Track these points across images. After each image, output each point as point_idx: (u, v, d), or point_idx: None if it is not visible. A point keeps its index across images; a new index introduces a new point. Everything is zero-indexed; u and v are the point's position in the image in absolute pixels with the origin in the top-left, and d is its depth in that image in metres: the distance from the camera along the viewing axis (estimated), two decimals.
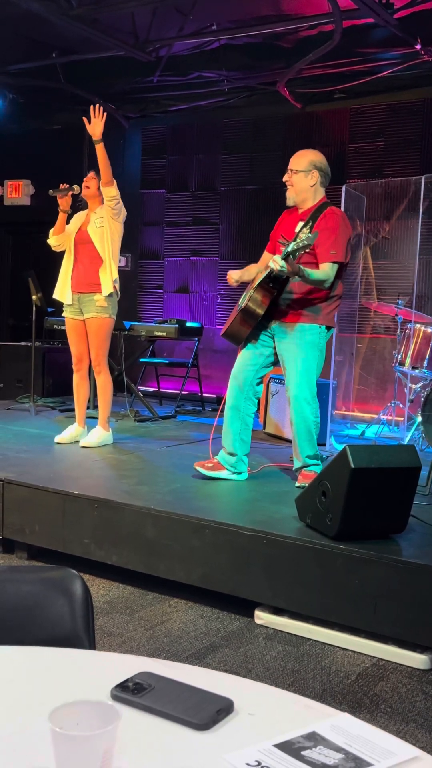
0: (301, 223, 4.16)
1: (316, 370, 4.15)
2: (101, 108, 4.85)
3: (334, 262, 3.98)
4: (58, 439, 5.27)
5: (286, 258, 3.72)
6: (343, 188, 6.03)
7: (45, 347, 7.76)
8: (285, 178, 4.23)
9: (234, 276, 4.29)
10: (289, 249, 3.71)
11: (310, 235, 3.68)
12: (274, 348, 4.22)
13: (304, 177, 4.17)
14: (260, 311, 4.06)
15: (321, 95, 7.56)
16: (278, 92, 7.37)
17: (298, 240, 3.70)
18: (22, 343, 7.85)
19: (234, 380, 4.27)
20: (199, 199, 8.62)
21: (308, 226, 4.07)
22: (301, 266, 3.83)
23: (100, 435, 5.21)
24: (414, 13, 5.86)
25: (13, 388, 7.74)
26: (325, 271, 3.95)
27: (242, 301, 4.23)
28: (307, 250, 3.86)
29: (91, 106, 4.86)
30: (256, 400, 4.33)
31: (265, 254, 4.41)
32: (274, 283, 4.04)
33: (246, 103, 8.03)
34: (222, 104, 8.09)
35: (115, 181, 4.97)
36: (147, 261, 8.98)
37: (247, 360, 4.25)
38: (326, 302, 4.12)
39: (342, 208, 5.87)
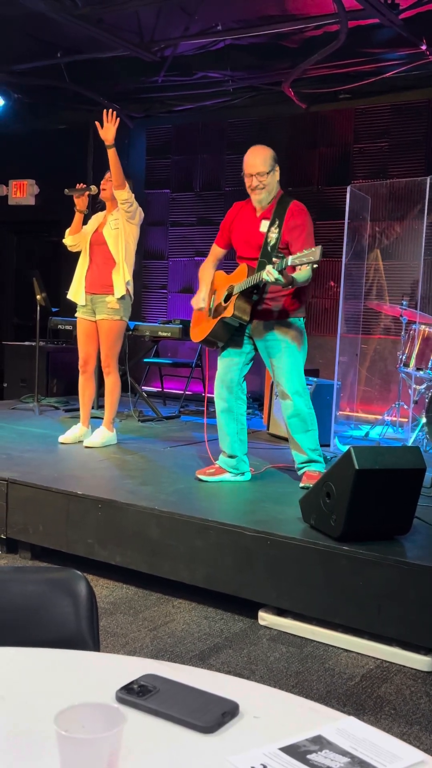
0: (265, 222, 4.11)
1: (302, 362, 4.21)
2: (114, 113, 4.85)
3: None
4: (62, 439, 5.28)
5: (281, 271, 3.74)
6: (348, 189, 6.02)
7: (49, 347, 7.76)
8: (254, 184, 4.08)
9: (201, 303, 4.28)
10: (289, 263, 3.72)
11: (314, 249, 3.68)
12: (254, 345, 4.24)
13: (273, 176, 4.11)
14: (246, 317, 4.11)
15: (326, 95, 7.55)
16: (283, 92, 7.36)
17: (299, 255, 3.71)
18: (27, 343, 7.85)
19: (221, 383, 4.28)
20: (203, 199, 8.61)
21: (276, 225, 4.05)
22: (293, 276, 3.83)
23: (103, 435, 5.21)
24: (419, 13, 5.84)
25: (18, 387, 7.75)
26: (307, 273, 3.95)
27: (212, 304, 4.25)
28: (281, 249, 3.93)
29: (105, 111, 4.85)
30: (245, 397, 4.34)
31: (216, 249, 4.40)
32: (256, 289, 4.08)
33: (251, 103, 8.02)
34: (227, 104, 8.09)
35: (127, 184, 4.96)
36: (151, 261, 8.98)
37: (229, 361, 4.28)
38: (298, 295, 4.17)
39: (347, 209, 5.87)
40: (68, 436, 5.29)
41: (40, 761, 0.97)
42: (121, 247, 5.04)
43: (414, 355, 5.55)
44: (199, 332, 4.32)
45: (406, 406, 6.07)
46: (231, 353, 4.28)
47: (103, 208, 5.26)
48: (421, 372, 5.54)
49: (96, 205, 5.31)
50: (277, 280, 3.75)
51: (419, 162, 7.23)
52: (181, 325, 6.81)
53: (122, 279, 5.03)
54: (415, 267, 6.68)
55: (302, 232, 4.01)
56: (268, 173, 4.08)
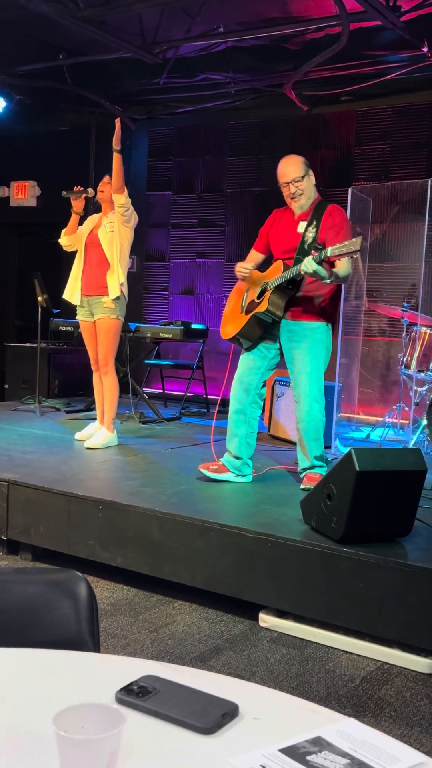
0: (303, 223, 4.14)
1: (323, 368, 4.18)
2: (118, 121, 4.98)
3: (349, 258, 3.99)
4: (78, 436, 5.42)
5: (320, 262, 3.75)
6: (350, 191, 6.02)
7: (51, 348, 7.77)
8: (292, 191, 4.13)
9: (247, 266, 4.24)
10: (328, 253, 3.73)
11: (354, 240, 3.70)
12: (280, 348, 4.22)
13: (308, 180, 4.17)
14: (280, 313, 4.08)
15: (328, 97, 7.55)
16: (285, 94, 7.37)
17: (339, 245, 3.73)
18: (28, 344, 7.86)
19: (239, 384, 4.27)
20: (205, 201, 8.62)
21: (313, 225, 4.07)
22: (333, 270, 3.84)
23: (104, 436, 5.22)
24: (421, 15, 5.85)
25: (19, 389, 7.75)
26: (347, 267, 3.97)
27: (245, 302, 4.23)
28: (318, 246, 3.90)
29: (117, 119, 4.98)
30: (261, 403, 4.34)
31: (254, 253, 4.40)
32: (292, 284, 4.05)
33: (253, 105, 8.03)
34: (229, 106, 8.09)
35: (125, 189, 5.04)
36: (152, 263, 8.98)
37: (252, 363, 4.25)
38: (331, 299, 4.14)
39: (348, 211, 5.87)
40: (84, 433, 5.42)
41: (40, 762, 0.97)
42: (115, 249, 5.09)
43: (415, 357, 5.55)
44: (230, 329, 4.29)
45: (407, 408, 6.07)
46: (255, 355, 4.25)
47: (99, 209, 5.29)
48: (422, 374, 5.54)
49: (92, 207, 5.33)
50: (315, 271, 3.76)
51: (421, 164, 7.23)
52: (182, 327, 6.81)
53: (116, 281, 5.09)
54: (416, 269, 6.68)
55: (340, 231, 4.02)
56: (303, 177, 4.13)
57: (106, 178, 5.17)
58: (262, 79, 7.43)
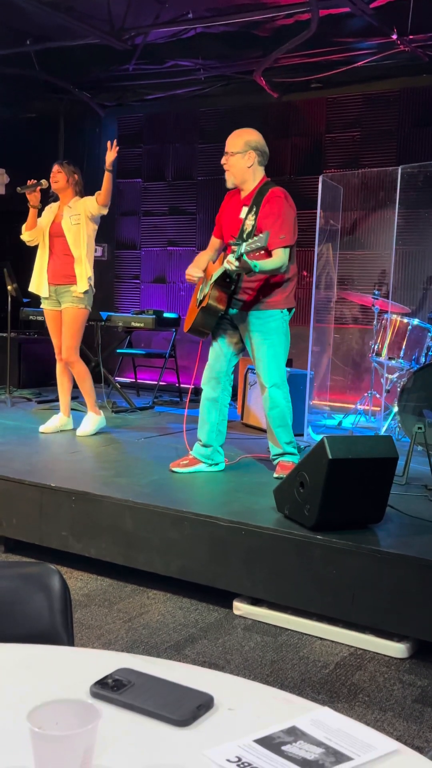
0: (245, 209, 4.11)
1: (283, 355, 4.18)
2: (116, 142, 5.04)
3: (285, 247, 3.97)
4: (42, 429, 5.28)
5: (239, 258, 3.73)
6: (320, 178, 6.02)
7: (21, 338, 7.70)
8: (222, 161, 4.15)
9: (194, 273, 4.25)
10: (243, 250, 3.71)
11: (261, 236, 3.67)
12: (240, 336, 4.23)
13: (240, 158, 4.10)
14: (221, 307, 4.09)
15: (297, 85, 7.54)
16: (255, 81, 7.34)
17: (250, 241, 3.70)
18: None
19: (209, 372, 4.28)
20: (175, 188, 8.58)
21: (253, 212, 4.04)
22: (255, 262, 3.79)
23: (93, 421, 5.23)
24: (390, 2, 5.84)
25: None
26: (279, 257, 3.93)
27: (200, 295, 4.23)
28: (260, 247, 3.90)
29: (108, 142, 5.04)
30: (230, 389, 4.34)
31: (213, 240, 4.40)
32: (230, 278, 4.06)
33: (222, 92, 7.99)
34: (198, 93, 8.05)
35: (108, 205, 5.12)
36: (123, 251, 8.93)
37: (219, 351, 4.26)
38: (282, 286, 4.12)
39: (319, 199, 5.87)
40: (49, 425, 5.29)
41: (13, 758, 0.96)
42: (82, 242, 5.08)
43: (386, 345, 5.58)
44: (187, 322, 4.30)
45: (378, 396, 6.11)
46: (221, 343, 4.26)
47: (56, 199, 5.26)
48: (393, 361, 5.58)
49: (48, 197, 5.29)
50: (236, 269, 3.76)
51: (390, 152, 7.26)
52: (154, 316, 6.78)
53: (85, 275, 5.07)
54: (387, 257, 6.72)
55: (276, 220, 3.96)
56: (235, 154, 4.08)
57: (55, 167, 5.15)
58: (231, 66, 7.40)
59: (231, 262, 3.77)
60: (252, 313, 4.12)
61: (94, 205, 5.07)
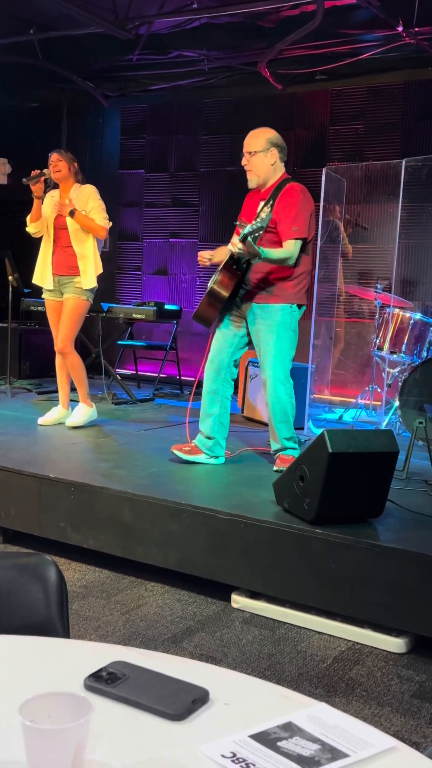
0: (262, 203, 4.11)
1: (289, 350, 4.14)
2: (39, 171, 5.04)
3: (296, 239, 3.95)
4: (41, 421, 5.24)
5: (243, 240, 3.71)
6: (324, 171, 5.99)
7: (22, 329, 7.68)
8: (243, 162, 4.13)
9: (206, 255, 4.23)
10: (246, 231, 3.70)
11: (263, 216, 3.66)
12: (247, 329, 4.20)
13: (263, 157, 4.09)
14: (225, 293, 4.05)
15: (302, 76, 7.50)
16: (259, 73, 7.30)
17: (253, 222, 3.68)
18: None
19: (211, 364, 4.25)
20: (178, 180, 8.54)
21: (269, 205, 4.03)
22: (261, 248, 3.79)
23: (84, 412, 5.19)
24: None
25: None
26: (288, 248, 3.92)
27: (210, 283, 4.21)
28: (271, 228, 3.86)
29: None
30: (233, 382, 4.32)
31: (235, 237, 4.38)
32: (237, 265, 4.03)
33: (227, 83, 7.94)
34: (202, 84, 8.00)
35: (107, 228, 5.11)
36: (125, 242, 8.90)
37: (222, 342, 4.23)
38: (293, 280, 4.09)
39: (322, 191, 5.84)
40: (48, 418, 5.26)
41: (5, 751, 0.95)
42: (84, 239, 5.06)
43: (388, 339, 5.56)
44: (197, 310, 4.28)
45: (379, 390, 6.09)
46: (225, 334, 4.22)
47: (57, 186, 5.23)
48: (395, 356, 5.55)
49: (49, 187, 5.25)
50: (239, 250, 3.74)
51: (395, 145, 7.22)
52: (155, 307, 6.75)
53: (91, 271, 5.06)
54: (390, 250, 6.68)
55: (291, 211, 3.95)
56: (257, 153, 4.06)
57: (54, 156, 5.11)
58: (236, 57, 7.35)
59: (235, 244, 3.75)
60: (260, 305, 4.09)
61: (102, 234, 5.11)
